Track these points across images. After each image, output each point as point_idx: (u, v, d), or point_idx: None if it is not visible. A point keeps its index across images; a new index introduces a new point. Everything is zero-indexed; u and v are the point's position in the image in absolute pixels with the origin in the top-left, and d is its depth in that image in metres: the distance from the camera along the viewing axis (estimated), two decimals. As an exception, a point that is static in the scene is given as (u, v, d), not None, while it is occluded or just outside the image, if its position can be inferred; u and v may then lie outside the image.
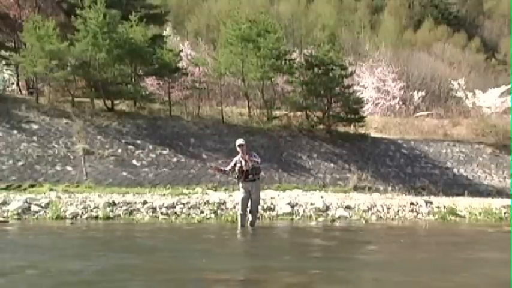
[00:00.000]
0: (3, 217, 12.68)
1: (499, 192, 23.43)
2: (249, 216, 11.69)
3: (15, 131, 21.68)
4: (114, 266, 7.10)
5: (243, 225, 11.60)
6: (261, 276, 6.56)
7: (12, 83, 29.98)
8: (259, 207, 12.73)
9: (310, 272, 6.79)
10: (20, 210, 13.11)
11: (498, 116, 31.36)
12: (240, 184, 11.66)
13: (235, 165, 11.56)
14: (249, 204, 11.60)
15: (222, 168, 12.04)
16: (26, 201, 13.59)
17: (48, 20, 23.85)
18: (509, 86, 32.96)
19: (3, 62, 27.99)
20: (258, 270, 7.15)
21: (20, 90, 27.88)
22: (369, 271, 7.23)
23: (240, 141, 11.64)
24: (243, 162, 11.42)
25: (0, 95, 24.55)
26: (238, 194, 12.02)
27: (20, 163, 20.16)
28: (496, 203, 16.49)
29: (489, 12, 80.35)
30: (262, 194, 13.27)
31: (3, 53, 27.83)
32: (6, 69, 30.60)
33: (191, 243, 9.66)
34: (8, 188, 18.08)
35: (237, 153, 11.59)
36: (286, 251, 8.97)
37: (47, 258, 7.66)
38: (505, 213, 15.47)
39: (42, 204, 13.52)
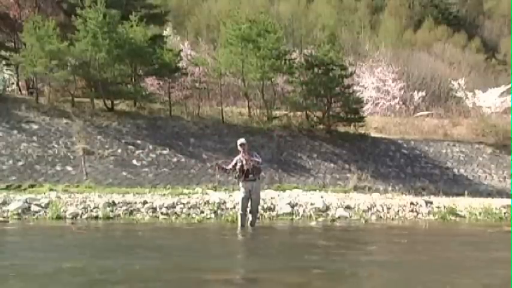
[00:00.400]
0: (4, 217, 12.69)
1: (499, 192, 23.38)
2: (249, 216, 11.71)
3: (15, 131, 21.70)
4: (137, 265, 7.07)
5: (243, 225, 11.61)
6: (261, 276, 6.57)
7: (12, 83, 29.91)
8: (260, 207, 12.74)
9: (310, 272, 6.79)
10: (20, 210, 13.10)
11: (498, 116, 31.26)
12: (240, 184, 11.67)
13: (236, 164, 11.58)
14: (249, 204, 11.62)
15: (224, 167, 12.03)
16: (26, 201, 13.59)
17: (48, 20, 23.84)
18: (509, 86, 32.86)
19: (3, 62, 27.94)
20: (258, 269, 7.16)
21: (20, 90, 27.87)
22: (369, 270, 7.24)
23: (241, 140, 11.67)
24: (244, 162, 11.45)
25: (0, 95, 24.54)
26: (239, 194, 12.03)
27: (20, 163, 20.18)
28: (496, 203, 16.46)
29: (489, 12, 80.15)
30: (262, 194, 13.28)
31: (3, 53, 27.81)
32: (6, 69, 30.52)
33: (193, 243, 9.68)
34: (8, 188, 18.10)
35: (238, 152, 11.61)
36: (286, 251, 8.98)
37: (67, 258, 7.65)
38: (505, 213, 15.45)
39: (42, 204, 13.52)
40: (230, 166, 11.71)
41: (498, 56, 67.63)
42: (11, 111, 22.76)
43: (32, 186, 18.52)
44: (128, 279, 6.26)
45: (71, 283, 6.16)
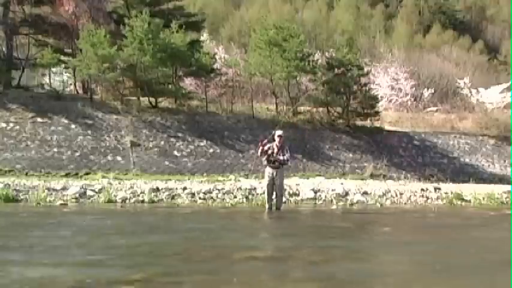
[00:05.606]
0: (64, 200, 12.83)
1: (501, 179, 23.09)
2: (275, 200, 11.65)
3: (72, 126, 21.94)
4: (174, 243, 7.05)
5: (270, 208, 11.56)
6: (285, 254, 6.48)
7: (70, 84, 30.34)
8: (286, 192, 12.64)
9: (331, 250, 6.69)
10: (77, 195, 13.22)
11: (499, 111, 30.96)
12: (266, 169, 11.64)
13: (268, 148, 11.51)
14: (274, 188, 11.57)
15: (262, 145, 11.54)
16: (82, 187, 13.72)
17: (100, 28, 24.03)
18: (509, 84, 32.55)
19: (63, 65, 28.26)
20: (283, 248, 7.06)
21: (76, 90, 28.17)
22: (384, 249, 7.11)
23: (278, 132, 11.58)
24: (275, 150, 11.42)
25: (60, 95, 24.80)
26: (264, 181, 12.00)
27: (77, 154, 20.41)
28: (498, 189, 16.25)
29: (491, 18, 78.95)
30: (288, 181, 13.20)
31: (62, 58, 28.11)
32: (65, 72, 30.99)
33: (226, 225, 9.63)
34: (67, 175, 18.39)
35: (274, 141, 11.58)
36: (308, 232, 8.87)
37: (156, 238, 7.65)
38: (506, 198, 15.26)
39: (96, 190, 13.63)
40: (265, 147, 11.46)
41: (499, 57, 66.54)
42: (69, 108, 23.00)
43: (87, 173, 18.77)
44: (160, 256, 6.21)
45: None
